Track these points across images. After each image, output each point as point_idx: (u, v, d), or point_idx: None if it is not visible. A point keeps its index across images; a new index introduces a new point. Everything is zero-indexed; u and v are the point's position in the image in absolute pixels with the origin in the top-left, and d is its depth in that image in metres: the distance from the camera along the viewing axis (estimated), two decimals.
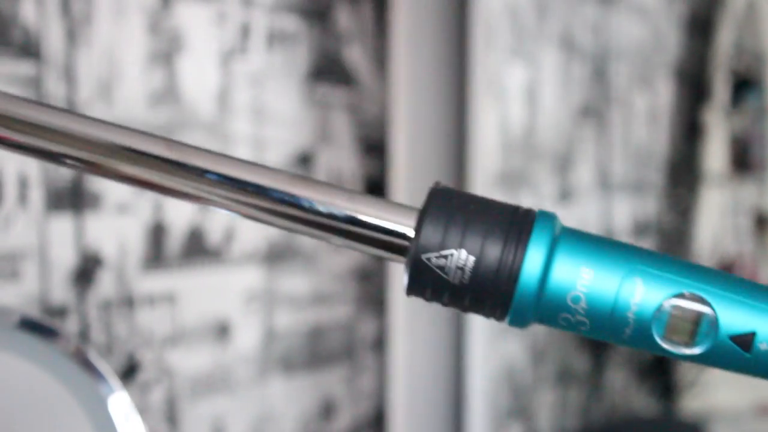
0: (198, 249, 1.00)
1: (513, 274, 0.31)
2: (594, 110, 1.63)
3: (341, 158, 1.19)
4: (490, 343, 1.36)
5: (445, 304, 0.32)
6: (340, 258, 1.20)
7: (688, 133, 1.99)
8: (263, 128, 1.06)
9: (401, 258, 0.32)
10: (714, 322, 0.31)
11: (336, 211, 0.32)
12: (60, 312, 0.86)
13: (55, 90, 0.85)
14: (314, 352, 1.17)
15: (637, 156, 1.81)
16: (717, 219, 2.07)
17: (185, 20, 0.95)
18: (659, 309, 0.31)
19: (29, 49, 0.83)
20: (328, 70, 1.15)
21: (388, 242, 0.32)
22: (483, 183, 1.33)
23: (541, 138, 1.47)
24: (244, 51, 1.03)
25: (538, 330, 1.51)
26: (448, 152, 1.30)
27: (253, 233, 1.06)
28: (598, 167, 1.65)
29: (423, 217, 0.31)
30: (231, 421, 1.06)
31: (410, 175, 1.26)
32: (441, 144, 1.29)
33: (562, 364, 1.59)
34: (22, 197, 0.82)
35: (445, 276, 0.31)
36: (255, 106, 1.04)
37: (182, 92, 0.96)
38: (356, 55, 1.19)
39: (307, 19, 1.11)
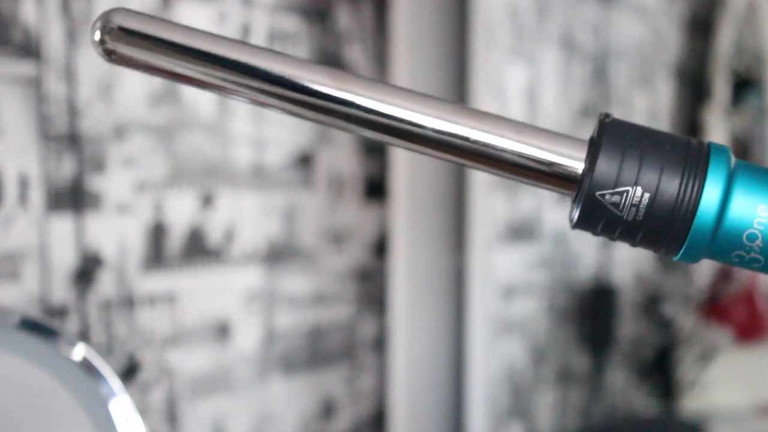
0: (198, 249, 1.00)
1: (689, 212, 0.30)
2: (594, 110, 1.63)
3: (341, 158, 1.19)
4: (490, 343, 1.36)
5: (614, 239, 0.32)
6: (340, 258, 1.20)
7: (688, 133, 1.99)
8: (263, 128, 1.06)
9: (568, 191, 0.32)
10: None
11: (504, 144, 0.32)
12: (60, 312, 0.86)
13: (55, 90, 0.85)
14: (314, 352, 1.17)
15: None
16: None
17: (186, 20, 0.95)
18: None
19: (29, 49, 0.83)
20: None
21: (557, 174, 0.32)
22: (483, 183, 1.33)
23: None
24: None
25: (538, 330, 1.51)
26: None
27: (253, 233, 1.06)
28: None
29: (597, 151, 0.31)
30: (231, 421, 1.06)
31: (410, 175, 1.26)
32: None
33: (562, 364, 1.59)
34: (23, 197, 0.82)
35: (618, 213, 0.31)
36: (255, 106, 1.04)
37: (182, 92, 0.96)
38: (356, 55, 1.19)
39: (307, 19, 1.11)
